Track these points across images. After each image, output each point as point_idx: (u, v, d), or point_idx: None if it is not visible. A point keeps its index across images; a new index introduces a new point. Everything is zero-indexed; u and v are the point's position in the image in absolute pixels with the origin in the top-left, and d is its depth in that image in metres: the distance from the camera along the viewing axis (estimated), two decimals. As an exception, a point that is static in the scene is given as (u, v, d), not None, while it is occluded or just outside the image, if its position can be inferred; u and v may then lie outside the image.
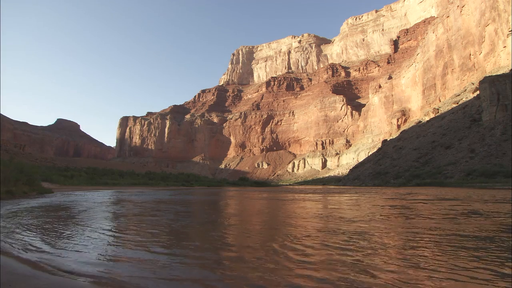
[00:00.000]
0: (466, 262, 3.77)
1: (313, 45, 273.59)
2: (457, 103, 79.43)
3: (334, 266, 3.76)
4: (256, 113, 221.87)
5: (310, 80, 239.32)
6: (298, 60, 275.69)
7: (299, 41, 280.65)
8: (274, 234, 6.41)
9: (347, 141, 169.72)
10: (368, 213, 9.87)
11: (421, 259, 3.97)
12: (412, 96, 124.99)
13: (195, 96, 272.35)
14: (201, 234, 6.64)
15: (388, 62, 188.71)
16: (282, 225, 7.86)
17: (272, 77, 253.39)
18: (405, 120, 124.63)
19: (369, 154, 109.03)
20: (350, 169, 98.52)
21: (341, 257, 4.17)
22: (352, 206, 13.05)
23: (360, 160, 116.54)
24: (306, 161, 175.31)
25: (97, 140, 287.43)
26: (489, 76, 60.01)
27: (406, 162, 63.54)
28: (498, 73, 62.35)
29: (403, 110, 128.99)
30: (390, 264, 3.80)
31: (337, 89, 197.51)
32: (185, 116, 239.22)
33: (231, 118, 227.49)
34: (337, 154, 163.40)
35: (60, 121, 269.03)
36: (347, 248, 4.67)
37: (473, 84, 79.20)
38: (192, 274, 3.54)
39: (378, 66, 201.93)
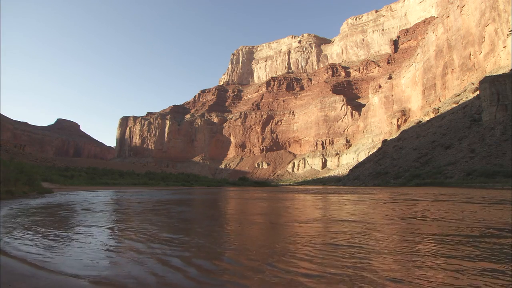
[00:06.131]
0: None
1: (313, 45, 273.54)
2: (457, 103, 79.43)
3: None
4: (256, 113, 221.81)
5: (310, 80, 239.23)
6: (298, 60, 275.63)
7: (299, 41, 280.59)
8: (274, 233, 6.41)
9: (347, 141, 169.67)
10: (363, 217, 9.89)
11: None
12: (412, 96, 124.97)
13: (195, 96, 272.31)
14: (195, 230, 6.66)
15: (388, 62, 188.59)
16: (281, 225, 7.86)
17: (272, 77, 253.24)
18: (405, 120, 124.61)
19: (369, 154, 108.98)
20: (350, 169, 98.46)
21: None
22: (341, 207, 13.07)
23: (360, 160, 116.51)
24: (306, 161, 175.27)
25: (97, 140, 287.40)
26: (489, 76, 60.00)
27: (406, 162, 63.53)
28: (498, 73, 62.33)
29: (403, 110, 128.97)
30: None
31: (337, 89, 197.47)
32: (185, 116, 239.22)
33: (231, 118, 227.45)
34: (337, 154, 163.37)
35: (60, 121, 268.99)
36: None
37: (473, 84, 79.18)
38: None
39: (378, 66, 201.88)
